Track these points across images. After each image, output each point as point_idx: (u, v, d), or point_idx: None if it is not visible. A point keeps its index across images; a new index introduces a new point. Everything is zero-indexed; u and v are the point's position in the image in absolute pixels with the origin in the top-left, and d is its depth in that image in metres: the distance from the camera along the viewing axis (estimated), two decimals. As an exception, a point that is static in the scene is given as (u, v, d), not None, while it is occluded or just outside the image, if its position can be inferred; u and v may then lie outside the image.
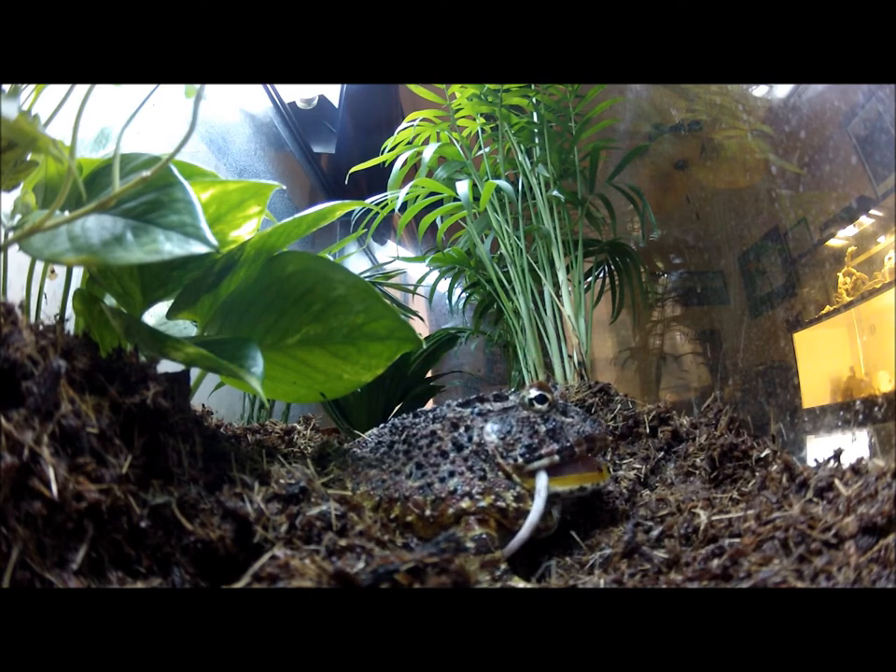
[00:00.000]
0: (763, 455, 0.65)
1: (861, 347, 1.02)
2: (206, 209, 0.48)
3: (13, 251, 0.43)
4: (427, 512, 0.54)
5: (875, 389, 0.95)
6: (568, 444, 0.57)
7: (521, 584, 0.49)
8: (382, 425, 0.65)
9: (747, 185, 1.28)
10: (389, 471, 0.58)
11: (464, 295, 1.54)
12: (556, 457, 0.57)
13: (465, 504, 0.53)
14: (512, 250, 1.17)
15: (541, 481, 0.55)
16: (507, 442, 0.58)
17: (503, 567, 0.50)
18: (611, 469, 0.73)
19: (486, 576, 0.49)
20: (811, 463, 0.57)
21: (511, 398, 0.63)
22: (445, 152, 1.23)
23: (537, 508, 0.53)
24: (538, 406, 0.60)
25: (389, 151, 1.25)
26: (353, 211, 1.39)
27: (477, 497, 0.54)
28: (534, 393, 0.61)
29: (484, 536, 0.51)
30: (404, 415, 0.65)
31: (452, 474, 0.56)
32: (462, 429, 0.60)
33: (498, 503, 0.54)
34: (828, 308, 1.08)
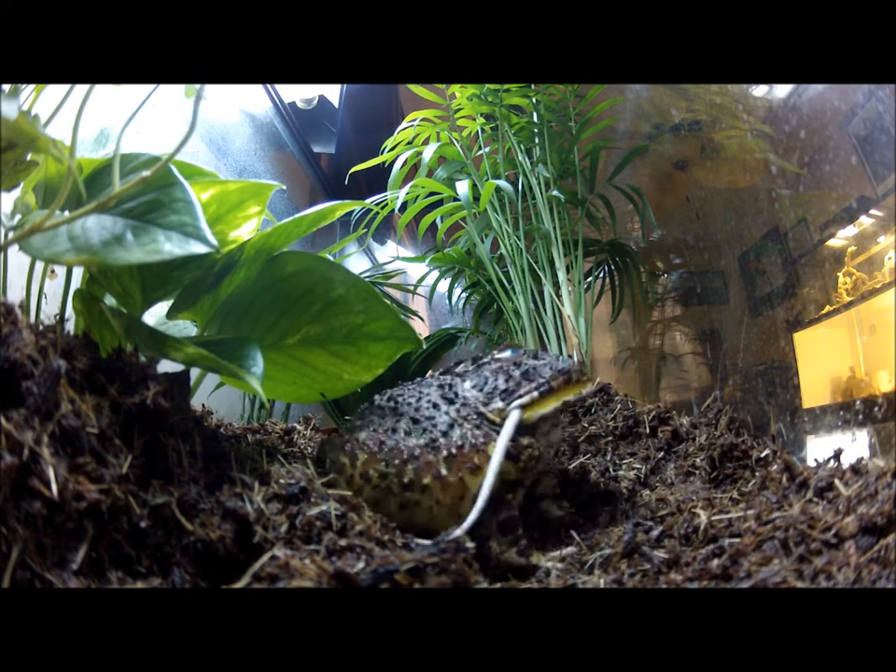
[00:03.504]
0: (763, 455, 0.65)
1: (861, 347, 1.02)
2: (206, 209, 0.48)
3: (13, 251, 0.43)
4: (443, 471, 0.52)
5: (875, 389, 0.95)
6: (544, 380, 0.58)
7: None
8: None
9: (747, 185, 1.28)
10: (383, 430, 0.56)
11: (464, 295, 1.54)
12: (535, 394, 0.57)
13: (478, 459, 0.52)
14: (512, 250, 1.17)
15: (512, 416, 0.55)
16: (486, 392, 0.58)
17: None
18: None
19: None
20: (811, 463, 0.57)
21: (485, 357, 0.65)
22: (445, 152, 1.23)
23: (501, 441, 0.52)
24: (509, 355, 0.62)
25: (389, 151, 1.24)
26: (353, 211, 1.39)
27: (483, 448, 0.53)
28: (507, 350, 0.63)
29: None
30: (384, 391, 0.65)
31: (451, 426, 0.55)
32: (447, 388, 0.60)
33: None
34: (828, 308, 1.08)
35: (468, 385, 0.60)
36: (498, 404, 0.57)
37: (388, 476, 0.52)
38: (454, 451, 0.53)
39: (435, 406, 0.57)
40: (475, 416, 0.56)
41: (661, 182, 1.55)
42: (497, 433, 0.54)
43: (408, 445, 0.54)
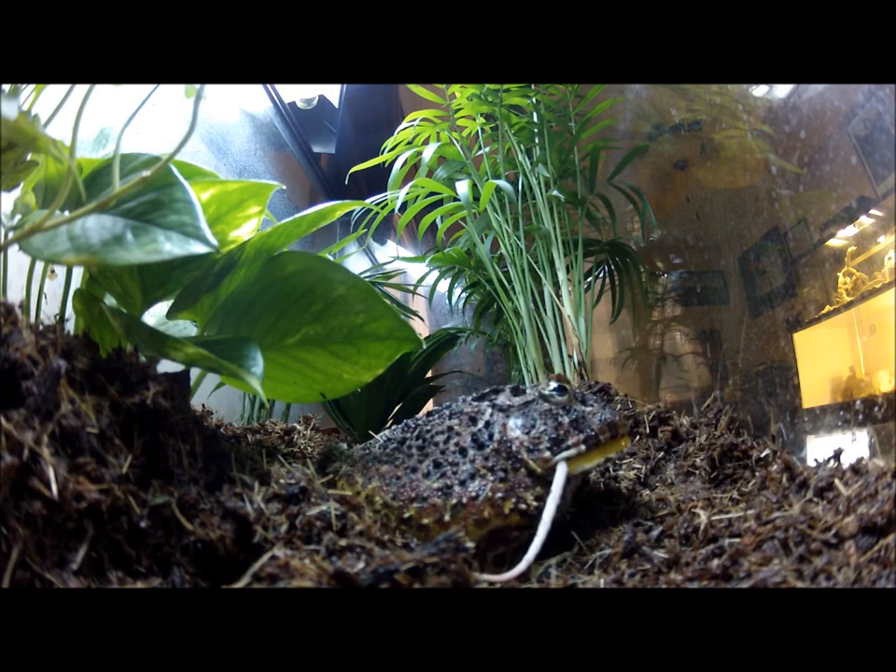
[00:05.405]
0: (763, 455, 0.65)
1: (861, 347, 1.02)
2: (206, 209, 0.48)
3: (13, 251, 0.43)
4: (447, 517, 0.52)
5: (875, 389, 0.95)
6: (593, 433, 0.57)
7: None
8: (393, 427, 0.65)
9: (747, 185, 1.28)
10: (404, 468, 0.56)
11: (464, 295, 1.54)
12: (583, 447, 0.56)
13: (487, 513, 0.52)
14: (512, 250, 1.17)
15: (561, 472, 0.54)
16: (532, 437, 0.56)
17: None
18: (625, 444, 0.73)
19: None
20: (811, 463, 0.57)
21: (529, 391, 0.62)
22: (445, 152, 1.23)
23: (553, 499, 0.52)
24: (558, 398, 0.60)
25: (389, 151, 1.25)
26: (353, 211, 1.39)
27: (499, 503, 0.53)
28: (553, 385, 0.60)
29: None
30: (417, 416, 0.64)
31: (473, 476, 0.54)
32: (482, 425, 0.58)
33: (520, 506, 0.53)
34: (828, 308, 1.08)
35: (512, 423, 0.58)
36: (545, 454, 0.55)
37: (391, 507, 0.53)
38: (464, 501, 0.53)
39: (462, 451, 0.56)
40: (505, 465, 0.55)
41: (661, 182, 1.55)
42: (534, 482, 0.55)
43: (421, 486, 0.54)
